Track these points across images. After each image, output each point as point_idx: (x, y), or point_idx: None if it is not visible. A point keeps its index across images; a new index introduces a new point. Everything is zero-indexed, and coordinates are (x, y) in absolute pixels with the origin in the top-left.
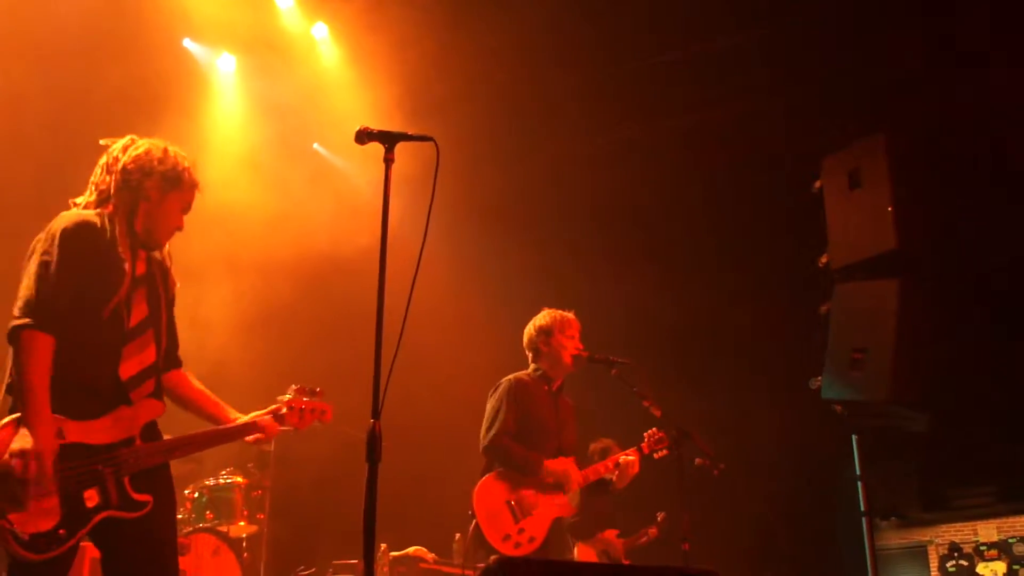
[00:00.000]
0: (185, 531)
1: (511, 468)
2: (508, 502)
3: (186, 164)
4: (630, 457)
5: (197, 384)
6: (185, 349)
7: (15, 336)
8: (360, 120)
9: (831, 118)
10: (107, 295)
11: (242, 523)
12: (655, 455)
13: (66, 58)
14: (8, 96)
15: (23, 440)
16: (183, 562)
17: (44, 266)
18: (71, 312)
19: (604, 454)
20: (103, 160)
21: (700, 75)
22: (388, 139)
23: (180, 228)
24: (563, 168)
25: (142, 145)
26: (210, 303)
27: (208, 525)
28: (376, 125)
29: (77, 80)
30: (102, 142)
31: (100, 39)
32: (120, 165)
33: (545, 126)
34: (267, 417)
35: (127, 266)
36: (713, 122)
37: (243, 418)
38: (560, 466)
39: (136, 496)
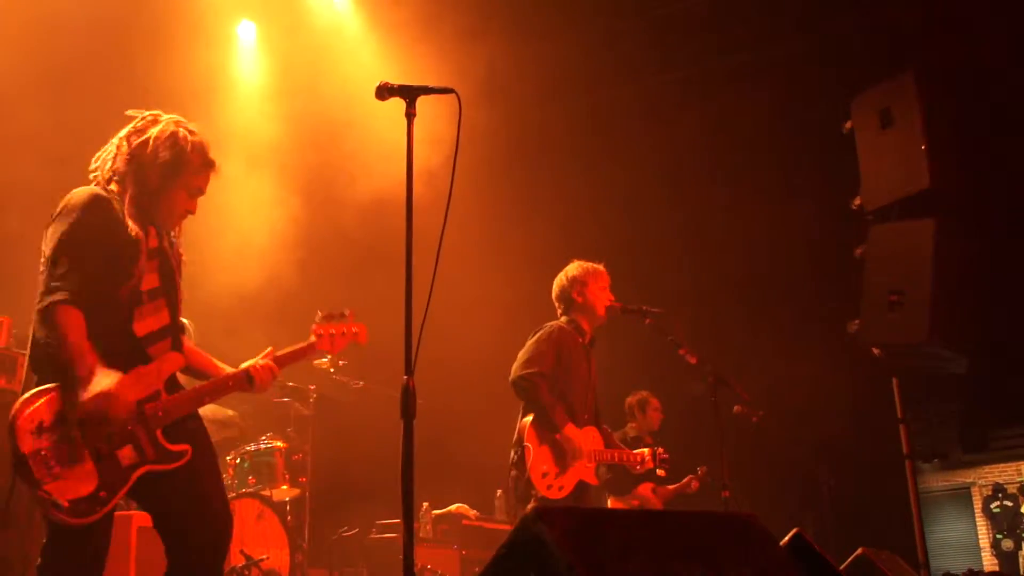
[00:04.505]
0: (228, 497)
1: (535, 408)
2: (556, 442)
3: (193, 148)
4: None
5: (202, 352)
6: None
7: (51, 311)
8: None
9: (860, 56)
10: (125, 270)
11: (284, 487)
12: (658, 472)
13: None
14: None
15: (100, 384)
16: None
17: (63, 243)
18: (92, 285)
19: (642, 406)
20: (116, 139)
21: (729, 17)
22: (409, 93)
23: (191, 212)
24: (598, 113)
25: (152, 131)
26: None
27: (251, 490)
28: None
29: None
30: (128, 113)
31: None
32: (126, 150)
33: (581, 71)
34: (261, 363)
35: (140, 240)
36: (741, 64)
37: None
38: (581, 438)
39: (172, 447)
